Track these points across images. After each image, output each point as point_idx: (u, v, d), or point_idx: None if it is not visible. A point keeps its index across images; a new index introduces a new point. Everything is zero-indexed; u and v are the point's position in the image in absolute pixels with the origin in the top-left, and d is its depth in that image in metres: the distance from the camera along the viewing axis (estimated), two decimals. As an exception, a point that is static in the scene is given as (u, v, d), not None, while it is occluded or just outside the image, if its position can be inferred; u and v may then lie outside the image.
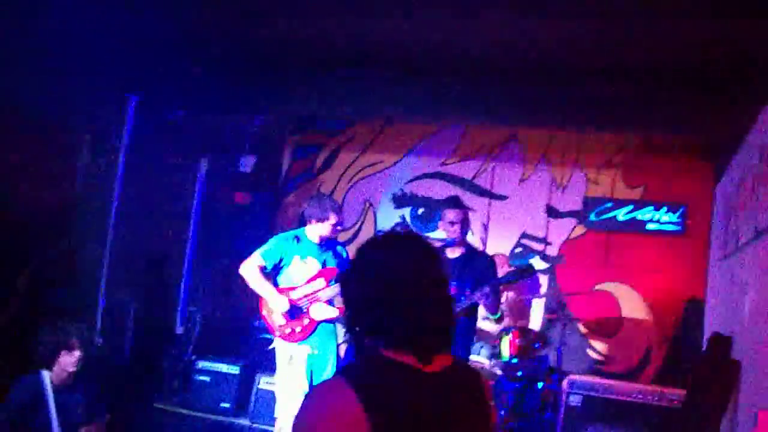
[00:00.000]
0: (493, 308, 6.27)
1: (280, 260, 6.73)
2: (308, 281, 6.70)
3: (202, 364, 8.38)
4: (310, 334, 6.66)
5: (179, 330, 8.86)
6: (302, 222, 7.02)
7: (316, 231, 6.71)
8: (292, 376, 6.63)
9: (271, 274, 6.78)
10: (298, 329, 6.65)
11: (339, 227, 6.85)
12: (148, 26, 7.02)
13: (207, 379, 8.35)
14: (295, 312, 6.63)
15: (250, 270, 6.69)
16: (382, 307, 2.37)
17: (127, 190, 8.07)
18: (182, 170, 8.86)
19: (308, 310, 6.68)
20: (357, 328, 2.42)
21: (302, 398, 2.27)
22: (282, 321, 6.63)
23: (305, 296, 6.68)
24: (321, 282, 6.72)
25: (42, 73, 7.36)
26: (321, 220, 6.65)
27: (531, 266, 6.49)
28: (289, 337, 6.64)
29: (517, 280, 6.60)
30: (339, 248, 7.01)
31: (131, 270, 8.33)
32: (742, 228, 6.21)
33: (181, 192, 8.87)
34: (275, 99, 8.50)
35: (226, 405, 8.24)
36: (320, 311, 6.69)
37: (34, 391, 5.42)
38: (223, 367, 8.34)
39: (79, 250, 8.04)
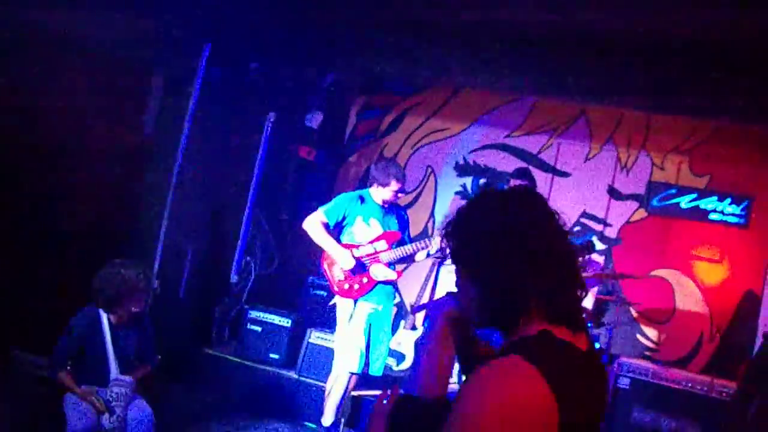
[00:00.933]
0: None
1: (344, 218, 6.86)
2: (370, 242, 6.82)
3: (254, 314, 8.48)
4: (367, 293, 6.77)
5: (234, 279, 8.93)
6: (365, 182, 7.07)
7: (379, 194, 6.78)
8: (351, 332, 6.72)
9: (334, 231, 6.88)
10: (356, 286, 6.76)
11: (401, 194, 6.97)
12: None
13: (258, 329, 8.42)
14: (356, 269, 6.74)
15: (313, 225, 6.81)
16: (540, 276, 2.15)
17: (194, 136, 8.10)
18: (250, 121, 8.93)
19: (368, 269, 6.79)
20: (497, 305, 2.20)
21: (476, 379, 1.98)
22: (341, 276, 6.76)
23: (367, 255, 6.80)
24: (383, 244, 6.84)
25: (119, 13, 7.42)
26: (383, 185, 6.74)
27: (592, 243, 6.49)
28: (347, 293, 6.76)
29: (579, 256, 6.53)
30: (402, 212, 7.15)
31: (191, 216, 8.40)
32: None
33: (247, 142, 8.94)
34: (348, 57, 8.49)
35: (275, 356, 8.32)
36: (380, 272, 6.80)
37: (93, 325, 5.52)
38: (275, 319, 8.41)
39: (145, 191, 8.12)
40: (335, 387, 6.78)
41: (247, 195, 9.02)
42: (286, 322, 8.36)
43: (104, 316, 5.54)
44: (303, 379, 8.02)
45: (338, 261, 6.68)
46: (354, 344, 6.66)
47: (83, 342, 5.50)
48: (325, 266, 6.86)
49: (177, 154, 8.08)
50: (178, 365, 7.83)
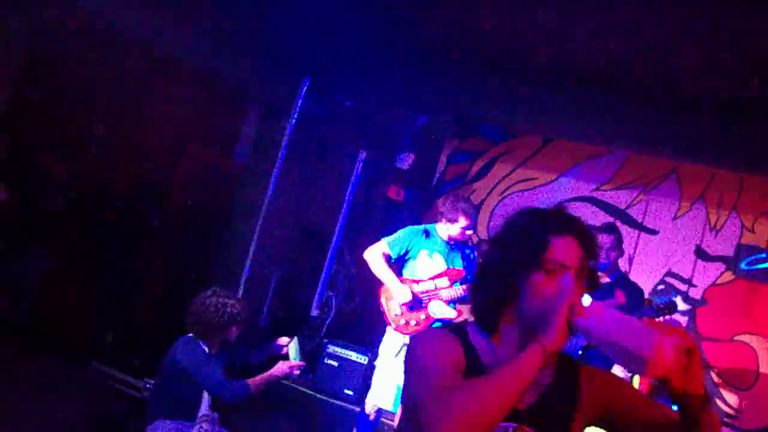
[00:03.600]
0: None
1: (407, 252, 6.90)
2: (432, 278, 6.82)
3: (332, 349, 8.57)
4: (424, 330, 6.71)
5: (314, 312, 9.04)
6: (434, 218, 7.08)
7: (445, 230, 6.78)
8: (395, 368, 6.71)
9: (395, 265, 6.92)
10: (413, 322, 6.75)
11: (468, 231, 6.92)
12: (333, 12, 7.18)
13: (335, 363, 8.53)
14: (414, 305, 6.74)
15: (374, 255, 6.86)
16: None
17: (287, 166, 8.30)
18: (342, 157, 9.15)
19: (427, 305, 6.78)
20: None
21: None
22: (398, 311, 6.77)
23: (427, 291, 6.79)
24: (445, 281, 6.81)
25: (224, 44, 7.65)
26: (452, 220, 6.75)
27: (674, 303, 6.44)
28: (403, 329, 6.75)
29: (659, 316, 6.50)
30: (468, 251, 7.10)
31: (278, 245, 8.57)
32: None
33: (337, 178, 9.18)
34: (443, 98, 8.64)
35: (350, 392, 8.40)
36: (439, 309, 6.76)
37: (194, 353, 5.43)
38: (353, 355, 8.53)
39: (235, 217, 8.31)
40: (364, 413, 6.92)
41: (334, 230, 9.18)
42: (363, 359, 8.47)
43: (203, 347, 5.49)
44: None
45: (396, 295, 6.70)
46: (394, 381, 6.68)
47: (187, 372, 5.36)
48: (383, 299, 6.87)
49: (269, 182, 8.28)
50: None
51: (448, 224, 6.79)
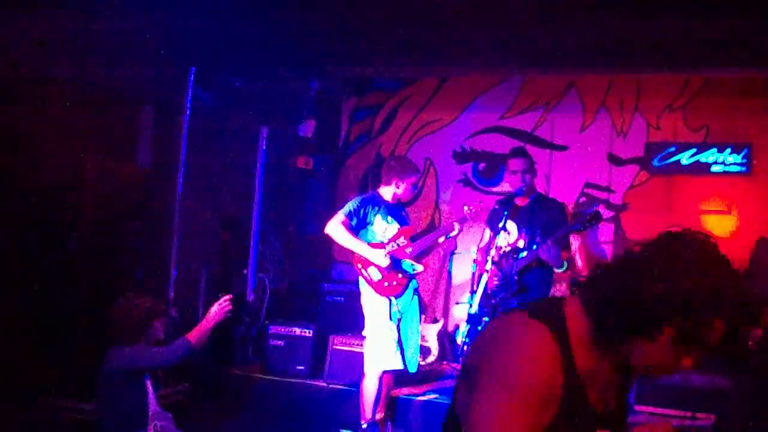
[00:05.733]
0: (556, 261, 6.37)
1: (364, 218, 6.97)
2: (392, 239, 6.96)
3: (275, 329, 8.55)
4: (405, 288, 6.93)
5: (250, 297, 9.04)
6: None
7: (391, 191, 6.86)
8: (389, 330, 6.79)
9: (354, 232, 6.95)
10: (395, 283, 6.86)
11: (416, 188, 7.05)
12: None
13: (281, 343, 8.56)
14: (390, 266, 6.84)
15: (337, 228, 6.90)
16: None
17: (191, 160, 8.25)
18: (244, 138, 9.08)
19: (401, 265, 6.92)
20: None
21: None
22: (379, 275, 6.86)
23: (394, 251, 6.91)
24: (403, 239, 6.99)
25: (103, 46, 7.54)
26: (402, 179, 6.81)
27: (598, 213, 6.53)
28: (388, 291, 6.84)
29: (586, 228, 6.63)
30: (404, 208, 7.38)
31: (200, 239, 8.52)
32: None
33: (245, 160, 9.12)
34: (331, 61, 8.63)
35: (301, 367, 8.46)
36: (410, 266, 6.95)
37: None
38: (296, 330, 8.56)
39: (148, 221, 8.23)
40: (370, 386, 6.86)
41: (252, 212, 9.15)
42: (308, 333, 8.49)
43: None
44: (332, 386, 8.10)
45: (374, 260, 6.79)
46: (392, 342, 6.76)
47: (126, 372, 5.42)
48: (359, 267, 6.94)
49: (176, 181, 8.20)
50: (206, 390, 7.93)
51: (399, 183, 6.98)
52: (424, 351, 9.12)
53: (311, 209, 8.39)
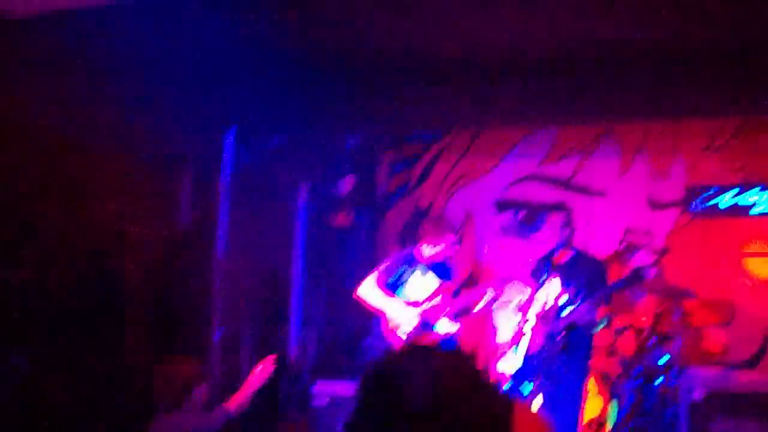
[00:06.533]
0: (591, 324, 6.37)
1: (399, 277, 6.98)
2: (428, 298, 6.87)
3: (319, 387, 8.57)
4: None
5: (293, 354, 9.09)
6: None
7: (429, 251, 6.84)
8: None
9: (389, 293, 6.94)
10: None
11: (455, 246, 6.98)
12: (242, 54, 7.21)
13: (325, 401, 8.52)
14: (422, 326, 6.86)
15: (369, 289, 7.00)
16: None
17: (232, 220, 8.33)
18: (284, 195, 9.18)
19: (432, 326, 6.94)
20: None
21: None
22: (407, 339, 6.86)
23: (427, 312, 6.88)
24: (440, 298, 7.00)
25: (141, 113, 7.65)
26: (437, 242, 6.78)
27: (638, 272, 6.55)
28: None
29: (626, 287, 6.63)
30: (447, 265, 7.29)
31: (243, 299, 8.58)
32: None
33: (284, 216, 9.18)
34: (368, 117, 8.68)
35: (348, 427, 8.36)
36: (445, 326, 6.96)
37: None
38: (341, 388, 8.50)
39: (190, 283, 8.30)
40: None
41: (292, 269, 9.22)
42: (351, 391, 8.45)
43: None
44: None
45: (403, 321, 6.81)
46: None
47: None
48: (390, 328, 7.00)
49: (216, 241, 8.31)
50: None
51: (434, 246, 6.97)
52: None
53: (352, 264, 8.45)
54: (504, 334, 9.25)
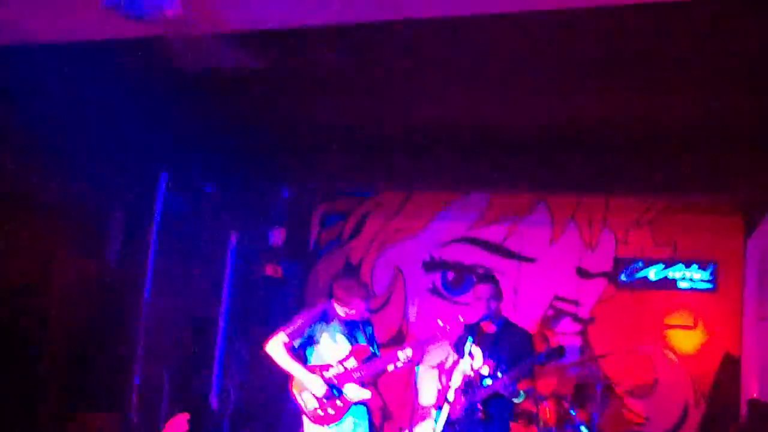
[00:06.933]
0: (513, 394, 6.40)
1: (309, 338, 6.73)
2: (340, 361, 6.67)
3: (239, 437, 8.54)
4: (343, 416, 6.58)
5: (214, 403, 9.02)
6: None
7: (343, 310, 6.68)
8: None
9: (300, 351, 6.74)
10: (331, 411, 6.57)
11: (367, 312, 6.87)
12: (175, 106, 7.20)
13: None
14: (329, 393, 6.57)
15: (276, 349, 6.66)
16: None
17: (159, 264, 8.27)
18: (214, 242, 9.18)
19: (342, 391, 6.61)
20: None
21: None
22: (314, 403, 6.59)
23: (338, 376, 6.62)
24: (353, 361, 6.68)
25: (70, 155, 7.60)
26: (347, 305, 6.63)
27: (562, 349, 6.61)
28: (321, 420, 6.57)
29: (549, 361, 6.68)
30: (366, 323, 6.95)
31: (166, 344, 8.53)
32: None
33: (212, 266, 9.16)
34: (301, 173, 8.72)
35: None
36: (354, 392, 6.61)
37: None
38: (260, 440, 8.49)
39: (114, 324, 8.23)
40: None
41: (218, 318, 9.17)
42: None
43: None
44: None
45: (309, 387, 6.55)
46: None
47: None
48: (296, 392, 6.67)
49: (144, 284, 8.24)
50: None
51: (345, 307, 6.70)
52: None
53: (280, 315, 8.38)
54: (426, 397, 9.27)
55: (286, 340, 6.64)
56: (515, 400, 6.59)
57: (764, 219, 7.71)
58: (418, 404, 9.65)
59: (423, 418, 9.49)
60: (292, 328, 6.71)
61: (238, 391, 9.41)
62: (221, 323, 9.37)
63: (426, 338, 6.81)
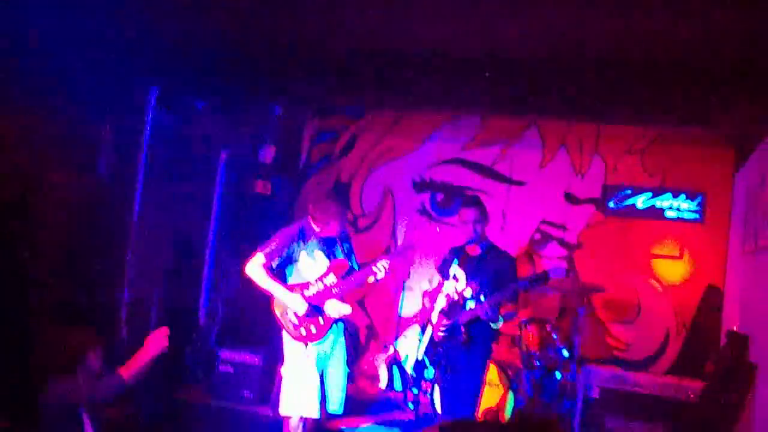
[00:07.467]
0: (493, 318, 6.49)
1: (289, 256, 6.76)
2: (319, 278, 6.72)
3: (225, 354, 8.66)
4: (326, 334, 6.65)
5: (202, 319, 9.14)
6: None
7: (320, 228, 6.66)
8: (305, 374, 6.60)
9: (279, 271, 6.78)
10: (313, 329, 6.63)
11: (343, 232, 6.90)
12: (170, 20, 7.15)
13: (230, 368, 8.66)
14: (310, 311, 6.61)
15: (255, 270, 6.69)
16: None
17: (149, 180, 8.29)
18: (204, 160, 9.17)
19: (323, 308, 6.66)
20: None
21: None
22: (296, 321, 6.64)
23: (318, 293, 6.67)
24: (332, 277, 6.72)
25: (63, 65, 7.57)
26: (325, 224, 6.63)
27: (546, 274, 6.68)
28: (305, 339, 6.63)
29: (532, 287, 6.75)
30: (343, 239, 6.98)
31: (155, 260, 8.59)
32: (763, 230, 6.42)
33: (203, 182, 9.18)
34: (294, 90, 8.69)
35: (249, 394, 8.54)
36: (335, 308, 6.66)
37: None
38: (246, 357, 8.64)
39: (103, 241, 8.26)
40: (292, 428, 6.67)
41: (208, 234, 9.23)
42: (257, 360, 8.62)
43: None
44: (278, 415, 8.16)
45: (290, 306, 6.60)
46: (307, 387, 6.57)
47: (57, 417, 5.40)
48: (277, 312, 6.72)
49: (133, 200, 8.25)
50: (152, 413, 8.01)
51: (323, 226, 6.71)
52: (373, 378, 9.30)
53: (269, 232, 8.44)
54: (407, 311, 9.40)
55: (264, 260, 6.67)
56: (493, 326, 6.70)
57: (754, 153, 7.74)
58: (403, 321, 9.83)
59: (402, 333, 9.66)
60: (269, 248, 6.73)
61: (226, 307, 9.51)
62: (210, 240, 9.43)
63: (403, 247, 6.89)
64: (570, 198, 9.73)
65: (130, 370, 5.40)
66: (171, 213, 8.85)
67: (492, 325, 6.68)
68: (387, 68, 7.80)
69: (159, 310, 8.73)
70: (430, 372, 7.05)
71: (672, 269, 9.33)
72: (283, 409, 6.64)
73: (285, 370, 6.74)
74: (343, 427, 7.97)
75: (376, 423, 8.31)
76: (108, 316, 8.23)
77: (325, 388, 6.69)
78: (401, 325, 9.85)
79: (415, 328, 9.43)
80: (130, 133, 8.51)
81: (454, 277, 6.77)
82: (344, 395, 6.84)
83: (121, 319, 8.16)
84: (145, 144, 8.41)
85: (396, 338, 9.81)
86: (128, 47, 7.75)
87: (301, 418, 6.58)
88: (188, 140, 8.95)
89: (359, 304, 10.00)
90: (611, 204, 9.54)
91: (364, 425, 8.20)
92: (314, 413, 6.52)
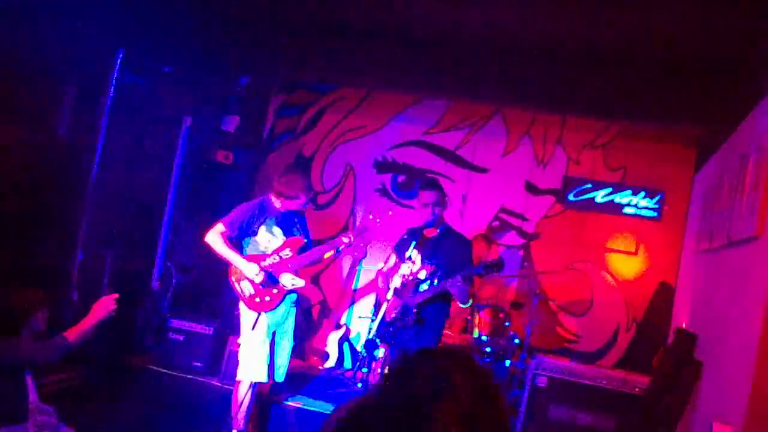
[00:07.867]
0: (464, 297, 6.53)
1: (248, 227, 6.89)
2: (275, 251, 6.87)
3: (176, 323, 8.66)
4: (279, 304, 6.80)
5: (155, 285, 9.10)
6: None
7: (279, 203, 6.79)
8: (256, 341, 6.76)
9: (237, 242, 6.93)
10: (267, 298, 6.79)
11: (306, 205, 7.03)
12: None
13: (180, 337, 8.67)
14: (265, 281, 6.78)
15: (215, 238, 6.83)
16: None
17: (110, 141, 8.24)
18: (166, 125, 9.10)
19: (278, 279, 6.82)
20: None
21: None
22: (251, 289, 6.79)
23: (273, 265, 6.83)
24: (288, 251, 6.86)
25: (28, 20, 7.49)
26: (290, 198, 6.75)
27: (501, 261, 6.71)
28: (258, 307, 6.78)
29: (487, 273, 6.78)
30: (301, 216, 7.14)
31: (110, 223, 8.53)
32: (717, 231, 6.53)
33: (164, 147, 9.13)
34: (262, 61, 8.66)
35: (198, 364, 8.57)
36: (289, 280, 6.82)
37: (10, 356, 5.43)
38: (197, 327, 8.66)
39: (58, 200, 8.20)
40: (241, 395, 6.79)
41: (166, 200, 9.20)
42: (208, 330, 8.61)
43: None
44: (226, 386, 8.19)
45: (247, 274, 6.75)
46: (259, 353, 6.74)
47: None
48: (233, 281, 6.86)
49: (93, 160, 8.20)
50: (101, 377, 7.99)
51: (286, 200, 6.83)
52: (323, 355, 9.33)
53: (228, 203, 8.38)
54: (361, 290, 9.43)
55: (224, 229, 6.79)
56: (462, 305, 6.79)
57: (715, 154, 7.83)
58: (356, 301, 9.87)
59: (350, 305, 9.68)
60: (230, 219, 6.86)
61: (180, 274, 9.49)
62: (168, 205, 9.38)
63: (362, 226, 6.99)
64: (530, 188, 9.81)
65: (75, 333, 5.36)
66: (130, 176, 8.79)
67: (461, 305, 6.75)
68: (355, 43, 7.84)
69: (112, 273, 8.68)
70: (380, 351, 7.10)
71: (626, 264, 9.45)
72: (240, 374, 6.76)
73: (241, 338, 6.88)
74: (290, 403, 8.01)
75: (323, 400, 8.35)
76: (60, 278, 8.19)
77: (274, 356, 6.85)
78: (356, 303, 9.91)
79: (368, 307, 9.49)
80: (93, 95, 8.44)
81: (410, 258, 6.80)
82: (287, 365, 7.00)
83: (72, 282, 8.10)
84: (107, 105, 8.33)
85: (348, 316, 9.86)
86: (95, 7, 7.70)
87: (251, 383, 6.70)
88: (152, 104, 8.89)
89: (314, 280, 10.04)
90: (571, 196, 9.63)
91: (311, 401, 8.24)
92: (263, 377, 6.67)
